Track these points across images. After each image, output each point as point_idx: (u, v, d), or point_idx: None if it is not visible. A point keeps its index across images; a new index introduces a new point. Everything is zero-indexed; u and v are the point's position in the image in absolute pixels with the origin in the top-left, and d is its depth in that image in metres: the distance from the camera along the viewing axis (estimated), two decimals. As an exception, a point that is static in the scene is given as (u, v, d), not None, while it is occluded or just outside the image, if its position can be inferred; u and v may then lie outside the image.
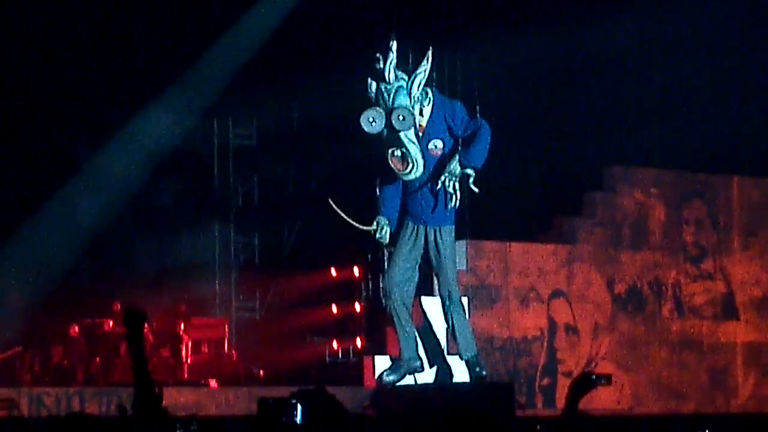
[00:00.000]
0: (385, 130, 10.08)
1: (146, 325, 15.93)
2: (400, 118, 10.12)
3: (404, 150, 10.07)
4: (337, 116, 14.94)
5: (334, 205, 10.75)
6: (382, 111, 10.22)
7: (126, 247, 17.71)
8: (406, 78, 10.14)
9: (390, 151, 10.13)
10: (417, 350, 10.93)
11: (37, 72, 16.74)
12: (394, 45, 10.06)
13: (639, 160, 17.04)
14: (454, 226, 10.53)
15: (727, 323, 17.13)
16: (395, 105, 10.23)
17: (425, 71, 10.15)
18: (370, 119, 10.29)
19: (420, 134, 10.14)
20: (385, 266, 12.69)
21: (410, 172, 10.35)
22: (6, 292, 16.50)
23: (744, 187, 17.34)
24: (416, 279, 10.81)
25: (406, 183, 10.47)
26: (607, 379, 5.99)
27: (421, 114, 10.15)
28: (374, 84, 10.19)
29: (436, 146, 10.17)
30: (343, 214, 10.62)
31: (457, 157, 10.09)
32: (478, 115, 11.11)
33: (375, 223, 10.46)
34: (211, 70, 16.93)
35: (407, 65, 10.36)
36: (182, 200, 18.04)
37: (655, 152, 17.01)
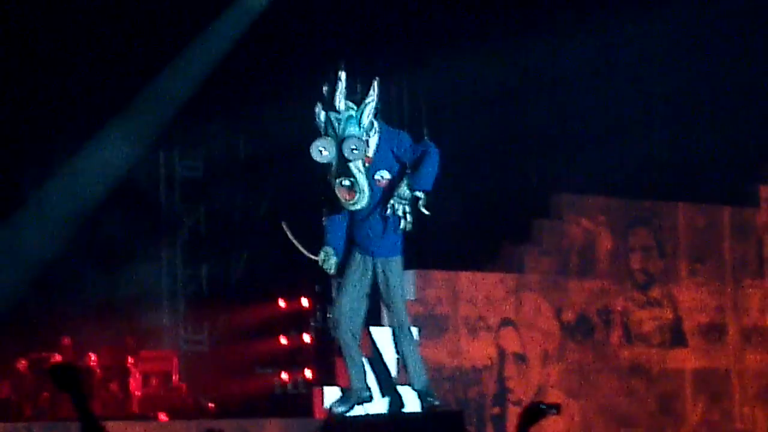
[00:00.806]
0: (334, 160, 10.42)
1: (94, 358, 15.53)
2: (352, 148, 10.13)
3: (353, 179, 10.05)
4: (284, 146, 15.09)
5: (286, 229, 11.03)
6: (332, 140, 10.31)
7: (73, 278, 17.57)
8: (355, 108, 10.05)
9: (338, 180, 10.28)
10: (366, 380, 10.49)
11: None
12: (342, 75, 10.05)
13: (585, 188, 16.84)
14: (401, 257, 10.26)
15: (675, 350, 16.95)
16: (346, 134, 10.20)
17: (373, 101, 10.23)
18: (321, 149, 10.33)
19: (367, 165, 10.12)
20: (334, 297, 11.90)
21: (356, 201, 10.34)
22: None
23: (689, 213, 17.20)
24: (365, 309, 10.57)
25: (352, 213, 10.54)
26: (557, 408, 5.92)
27: (367, 144, 10.27)
28: (323, 113, 10.18)
29: (382, 177, 9.88)
30: (293, 239, 10.86)
31: (406, 180, 9.76)
32: (426, 138, 10.28)
33: (322, 253, 10.43)
34: (156, 102, 16.95)
35: (355, 95, 10.06)
36: (129, 232, 17.97)
37: (600, 180, 16.78)
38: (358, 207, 9.96)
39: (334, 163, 9.67)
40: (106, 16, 16.79)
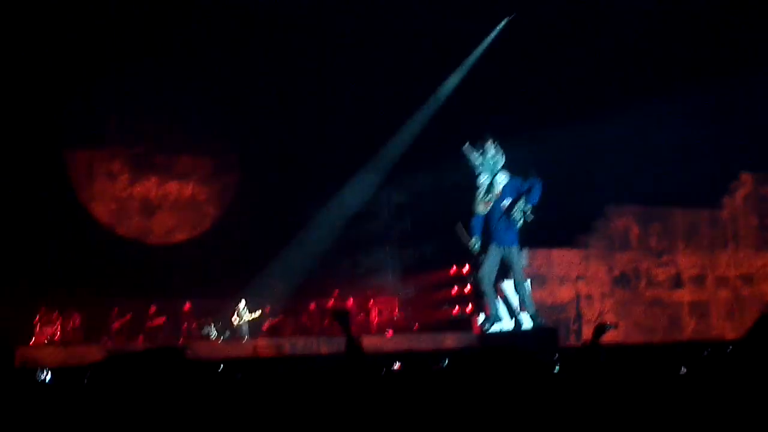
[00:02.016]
0: (485, 186, 15.19)
1: (351, 302, 20.85)
2: (499, 182, 15.51)
3: (490, 198, 15.65)
4: (454, 181, 17.71)
5: (459, 228, 15.88)
6: (489, 177, 15.02)
7: (337, 260, 22.59)
8: (495, 157, 15.37)
9: (484, 197, 15.59)
10: (498, 311, 15.95)
11: (280, 158, 21.58)
12: (488, 136, 15.72)
13: (623, 199, 21.48)
14: (517, 245, 15.68)
15: (677, 291, 21.83)
16: (497, 174, 15.33)
17: (502, 157, 15.48)
18: (484, 180, 15.09)
19: (497, 197, 15.67)
20: (479, 265, 16.31)
21: (487, 210, 15.40)
22: (275, 284, 21.22)
23: (685, 215, 22.12)
24: (496, 271, 15.69)
25: (489, 219, 15.63)
26: (615, 325, 6.76)
27: (498, 187, 15.77)
28: (479, 157, 15.43)
29: (506, 203, 15.60)
30: (461, 233, 15.70)
31: (522, 199, 15.38)
32: (533, 174, 15.76)
33: (472, 240, 15.59)
34: (382, 160, 22.20)
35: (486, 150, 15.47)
36: (364, 234, 23.11)
37: (631, 193, 20.96)
38: (483, 213, 15.32)
39: (483, 189, 15.39)
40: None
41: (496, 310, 15.91)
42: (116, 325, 19.89)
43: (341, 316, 5.84)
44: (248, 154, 22.31)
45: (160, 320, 20.33)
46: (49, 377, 8.06)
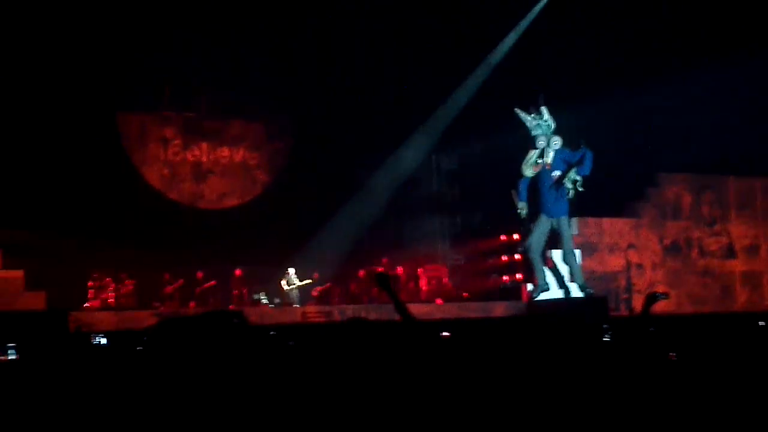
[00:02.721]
0: (542, 145, 15.88)
1: (400, 269, 21.18)
2: (555, 143, 16.28)
3: (540, 161, 16.29)
4: (505, 149, 18.93)
5: (513, 194, 16.42)
6: (545, 140, 15.72)
7: (386, 227, 22.93)
8: (549, 120, 16.00)
9: (535, 159, 16.24)
10: (546, 279, 16.66)
11: (332, 124, 21.64)
12: (542, 100, 16.44)
13: (675, 168, 21.48)
14: (567, 215, 16.33)
15: (730, 261, 21.88)
16: (550, 134, 16.00)
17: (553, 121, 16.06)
18: (541, 142, 15.80)
19: (547, 168, 16.33)
20: (529, 234, 17.28)
21: (536, 173, 15.97)
22: (324, 253, 21.51)
23: (738, 184, 22.01)
24: (544, 240, 16.37)
25: (540, 189, 16.15)
26: (666, 295, 6.51)
27: (548, 156, 16.45)
28: (530, 119, 16.13)
29: (556, 174, 16.34)
30: (514, 199, 16.33)
31: (574, 170, 16.11)
32: (583, 145, 16.58)
33: (520, 204, 16.33)
34: (433, 126, 22.27)
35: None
36: (417, 202, 23.26)
37: (683, 162, 21.12)
38: (530, 175, 15.94)
39: (537, 153, 16.06)
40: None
41: (544, 278, 16.46)
42: (168, 290, 20.27)
43: (383, 280, 5.86)
44: (300, 120, 22.56)
45: (211, 283, 20.62)
46: (104, 341, 8.20)
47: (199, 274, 20.74)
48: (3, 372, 4.96)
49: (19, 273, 17.75)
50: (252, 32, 20.86)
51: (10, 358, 7.51)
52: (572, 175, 15.92)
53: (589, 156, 15.78)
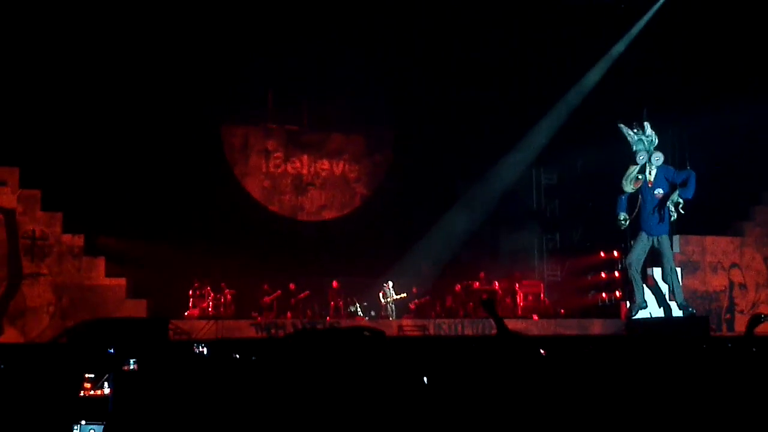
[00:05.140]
0: (643, 161, 15.37)
1: (497, 284, 21.10)
2: (656, 159, 15.61)
3: (641, 177, 15.75)
4: (603, 163, 18.85)
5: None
6: (645, 156, 15.18)
7: (484, 239, 22.77)
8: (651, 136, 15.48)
9: (637, 176, 15.69)
10: (644, 297, 16.10)
11: (431, 137, 21.68)
12: (645, 114, 15.88)
13: None
14: (668, 235, 15.84)
15: None
16: (653, 153, 15.42)
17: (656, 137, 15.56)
18: (642, 158, 15.23)
19: (649, 185, 15.82)
20: (629, 251, 16.90)
21: (636, 189, 15.50)
22: (420, 266, 21.77)
23: None
24: (644, 258, 15.94)
25: (642, 208, 15.70)
26: None
27: (650, 173, 15.86)
28: (634, 135, 15.57)
29: (659, 192, 15.80)
30: (622, 216, 15.82)
31: (677, 192, 15.56)
32: (687, 166, 16.42)
33: (621, 215, 15.84)
34: (532, 141, 22.04)
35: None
36: (514, 217, 23.00)
37: None
38: (631, 191, 15.35)
39: (637, 168, 15.50)
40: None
41: (642, 296, 16.03)
42: (266, 300, 20.33)
43: (489, 306, 5.92)
44: (400, 134, 22.61)
45: (305, 294, 20.72)
46: (206, 351, 8.19)
47: (292, 286, 20.88)
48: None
49: (121, 281, 18.13)
50: (354, 46, 20.95)
51: (131, 368, 7.52)
52: (675, 197, 15.58)
53: (693, 178, 15.46)
